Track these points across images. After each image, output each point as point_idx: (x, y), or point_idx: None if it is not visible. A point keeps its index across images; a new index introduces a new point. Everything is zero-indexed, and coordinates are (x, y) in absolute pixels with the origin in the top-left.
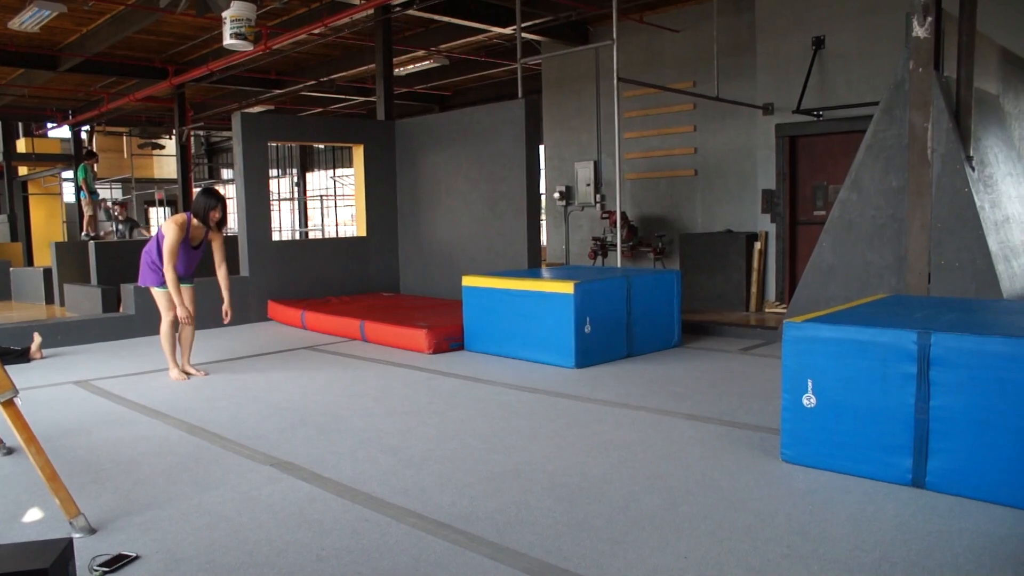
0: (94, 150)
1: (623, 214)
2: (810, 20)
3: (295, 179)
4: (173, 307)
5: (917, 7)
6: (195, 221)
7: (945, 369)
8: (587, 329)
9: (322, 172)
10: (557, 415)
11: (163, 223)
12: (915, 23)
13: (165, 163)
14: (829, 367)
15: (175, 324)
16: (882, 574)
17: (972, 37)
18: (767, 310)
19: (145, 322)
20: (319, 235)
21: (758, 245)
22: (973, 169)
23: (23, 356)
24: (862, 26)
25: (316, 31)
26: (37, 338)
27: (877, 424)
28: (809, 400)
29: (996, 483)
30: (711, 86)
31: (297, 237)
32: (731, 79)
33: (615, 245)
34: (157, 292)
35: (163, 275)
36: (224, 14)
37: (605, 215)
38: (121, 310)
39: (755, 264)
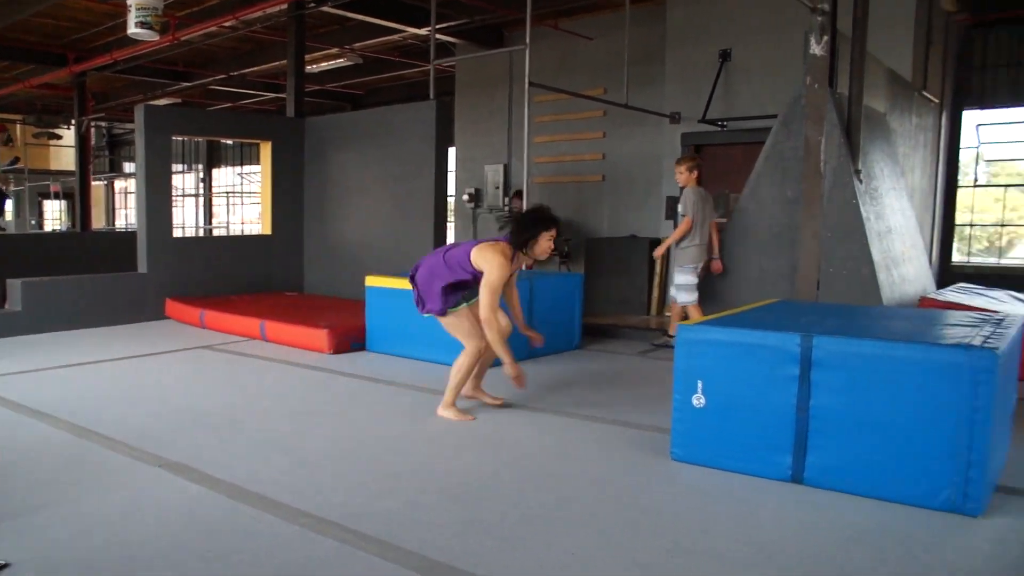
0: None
1: None
2: (718, 33)
3: (201, 175)
4: (480, 333)
5: (814, 27)
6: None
7: (825, 371)
8: None
9: (229, 168)
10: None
11: (479, 249)
12: (812, 41)
13: (63, 154)
14: (718, 368)
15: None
16: (758, 565)
17: (863, 57)
18: (668, 314)
19: (34, 320)
20: (224, 232)
21: (661, 249)
22: (861, 182)
23: None
24: (766, 41)
25: (227, 24)
26: None
27: (761, 423)
28: (699, 400)
29: (866, 477)
30: (621, 94)
31: (202, 234)
32: (641, 87)
33: None
34: (454, 314)
35: (454, 297)
36: (129, 1)
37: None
38: (7, 306)
39: (657, 269)
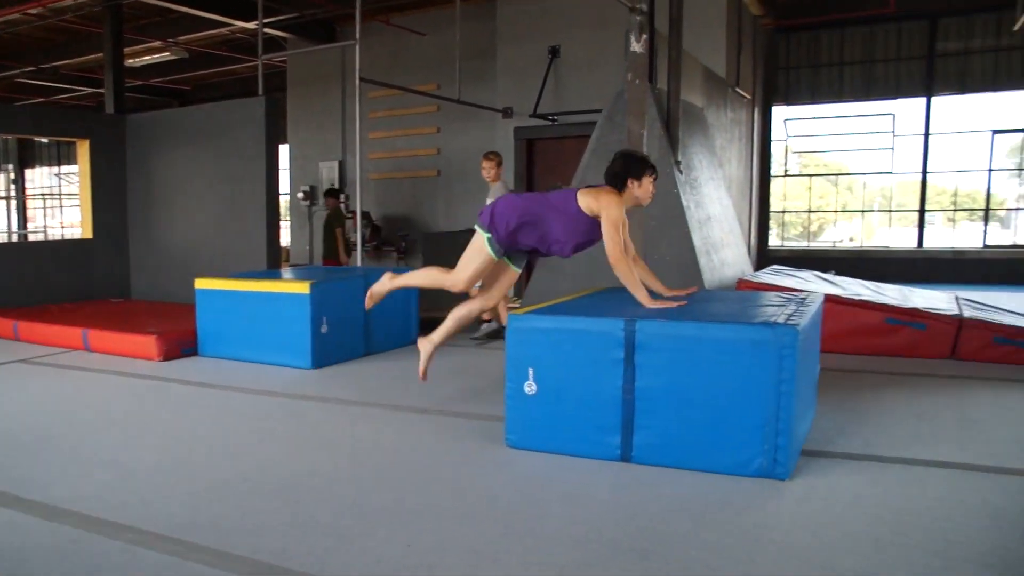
0: None
1: (367, 214)
2: (547, 30)
3: (12, 176)
4: (494, 295)
5: (634, 25)
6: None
7: (647, 353)
8: (324, 329)
9: (46, 169)
10: (291, 417)
11: (587, 191)
12: (633, 40)
13: None
14: (548, 355)
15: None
16: (589, 541)
17: (679, 55)
18: (508, 306)
19: None
20: (43, 237)
21: None
22: (681, 173)
23: None
24: (593, 38)
25: (32, 11)
26: None
27: (591, 406)
28: (530, 387)
29: (688, 452)
30: (454, 89)
31: (15, 239)
32: (474, 83)
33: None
34: (491, 251)
35: (511, 242)
36: None
37: (349, 215)
38: None
39: None
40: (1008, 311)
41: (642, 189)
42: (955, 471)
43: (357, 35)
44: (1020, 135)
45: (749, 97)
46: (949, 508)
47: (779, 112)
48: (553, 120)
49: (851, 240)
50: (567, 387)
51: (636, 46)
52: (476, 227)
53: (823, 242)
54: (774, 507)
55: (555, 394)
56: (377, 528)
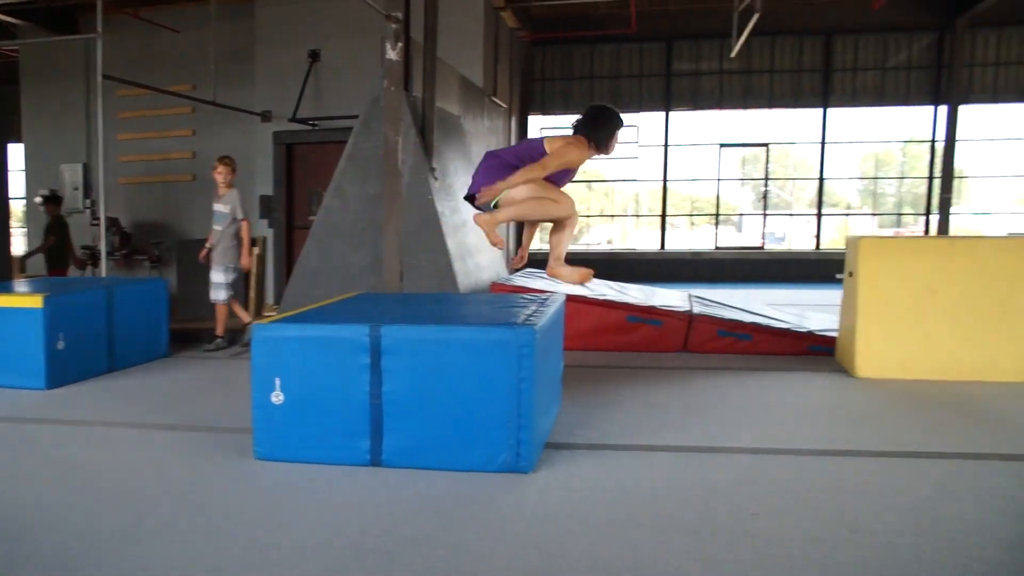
0: None
1: (115, 220)
2: (307, 33)
3: None
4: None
5: (390, 33)
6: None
7: (393, 357)
8: (60, 346)
9: None
10: (18, 443)
11: (553, 139)
12: (388, 47)
13: None
14: (295, 364)
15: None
16: (334, 548)
17: (434, 64)
18: (266, 314)
19: None
20: None
21: (256, 250)
22: (436, 179)
23: None
24: (352, 44)
25: None
26: None
27: (340, 413)
28: (277, 397)
29: (437, 452)
30: (211, 91)
31: None
32: (231, 85)
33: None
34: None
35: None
36: None
37: (95, 222)
38: None
39: (253, 269)
40: (731, 306)
41: (613, 143)
42: (679, 453)
43: (99, 27)
44: (742, 149)
45: (506, 106)
46: (671, 487)
47: (535, 121)
48: (313, 125)
49: (609, 243)
50: (315, 395)
51: (392, 54)
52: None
53: (579, 245)
54: (517, 500)
55: (303, 403)
56: (110, 554)
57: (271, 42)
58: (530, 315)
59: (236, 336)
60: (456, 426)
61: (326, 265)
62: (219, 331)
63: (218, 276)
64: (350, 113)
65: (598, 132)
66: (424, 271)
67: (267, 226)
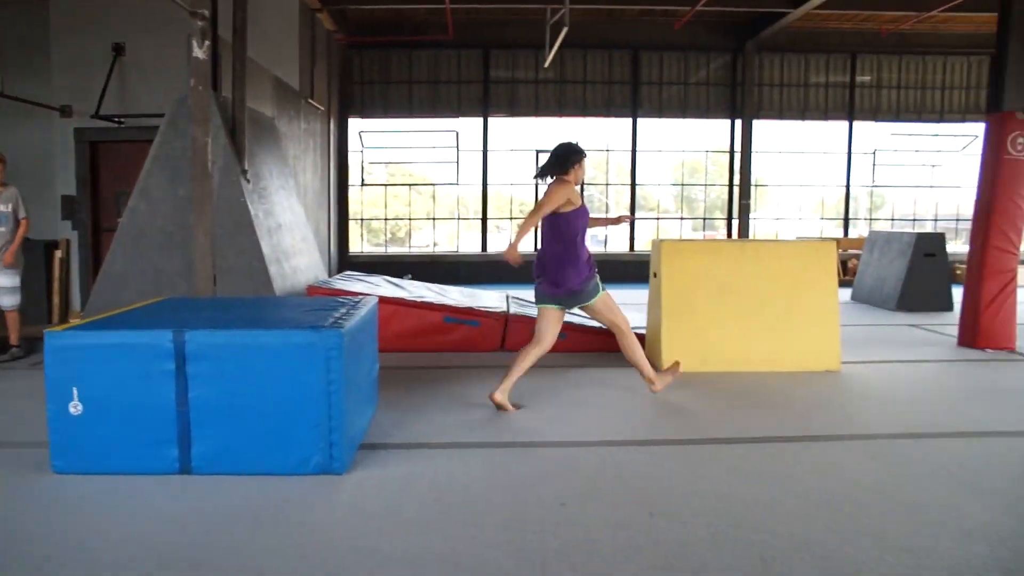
0: None
1: None
2: (110, 25)
3: None
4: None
5: (196, 31)
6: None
7: (200, 363)
8: None
9: None
10: None
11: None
12: (195, 45)
13: None
14: (94, 373)
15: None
16: (139, 560)
17: (244, 63)
18: (73, 321)
19: None
20: None
21: (59, 253)
22: (248, 182)
23: None
24: (160, 39)
25: None
26: None
27: (145, 422)
28: (76, 408)
29: (249, 458)
30: None
31: None
32: (25, 76)
33: None
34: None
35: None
36: None
37: None
38: None
39: (56, 274)
40: None
41: (581, 171)
42: (492, 449)
43: None
44: None
45: (324, 109)
46: (483, 482)
47: (355, 124)
48: (119, 123)
49: (435, 245)
50: (117, 404)
51: (199, 52)
52: (590, 291)
53: (402, 248)
54: (331, 501)
55: (105, 412)
56: None
57: (69, 32)
58: (339, 318)
59: (35, 344)
60: (267, 430)
61: (134, 269)
62: (13, 340)
63: (7, 280)
64: (159, 111)
65: (565, 166)
66: (236, 274)
67: (71, 228)
